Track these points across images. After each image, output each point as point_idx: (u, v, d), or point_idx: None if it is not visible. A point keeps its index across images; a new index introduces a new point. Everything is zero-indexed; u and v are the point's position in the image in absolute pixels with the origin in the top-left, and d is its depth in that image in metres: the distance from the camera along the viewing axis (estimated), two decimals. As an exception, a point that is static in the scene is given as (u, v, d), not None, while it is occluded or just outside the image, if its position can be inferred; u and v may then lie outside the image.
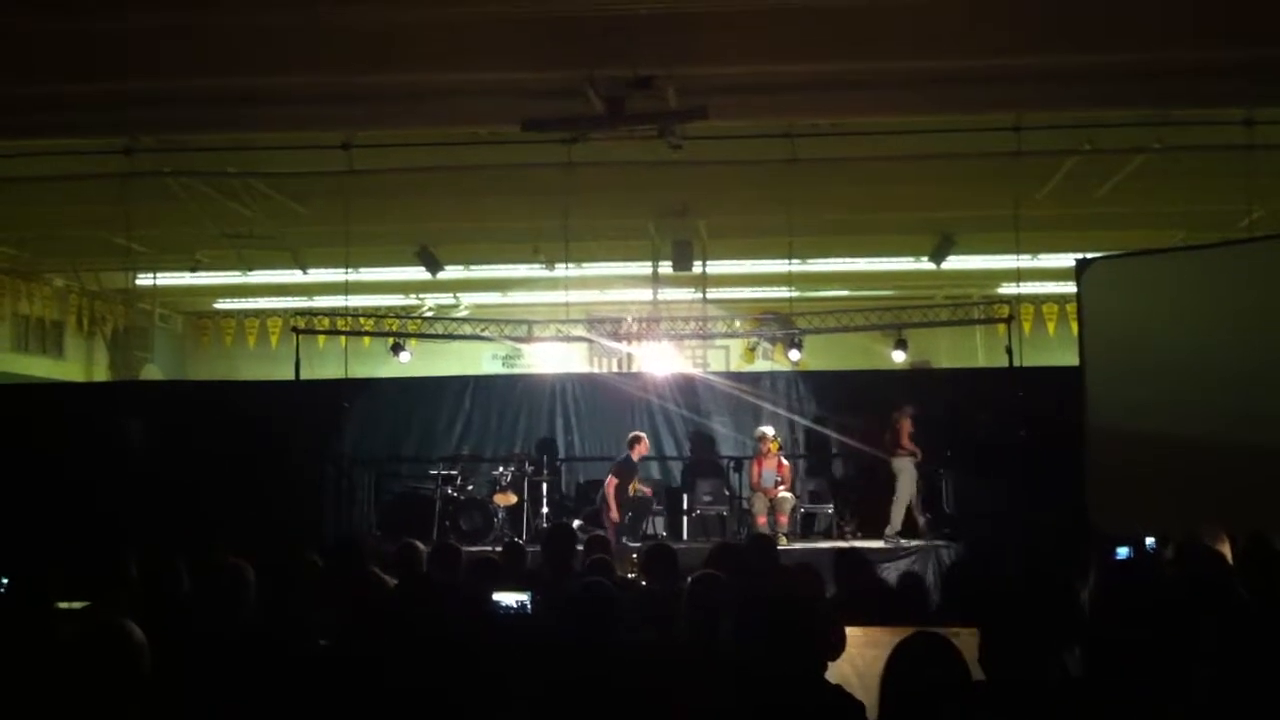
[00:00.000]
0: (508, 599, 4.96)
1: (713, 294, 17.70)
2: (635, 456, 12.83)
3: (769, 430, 12.88)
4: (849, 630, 4.85)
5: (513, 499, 12.78)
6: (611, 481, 12.65)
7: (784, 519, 12.26)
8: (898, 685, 3.30)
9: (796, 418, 14.02)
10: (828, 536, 12.81)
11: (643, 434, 13.11)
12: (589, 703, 3.61)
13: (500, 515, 12.78)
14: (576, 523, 11.10)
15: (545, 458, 13.50)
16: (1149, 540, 8.22)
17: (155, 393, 15.65)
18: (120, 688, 3.37)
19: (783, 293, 17.42)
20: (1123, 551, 7.02)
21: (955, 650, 3.32)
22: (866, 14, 8.98)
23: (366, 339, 17.02)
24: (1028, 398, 12.12)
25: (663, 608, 4.57)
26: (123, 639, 3.47)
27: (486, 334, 15.43)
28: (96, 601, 5.48)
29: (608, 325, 15.14)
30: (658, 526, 13.22)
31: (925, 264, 17.01)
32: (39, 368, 18.35)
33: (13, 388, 15.70)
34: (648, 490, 12.94)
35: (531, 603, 4.95)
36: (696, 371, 16.36)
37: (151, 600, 5.40)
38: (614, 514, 12.45)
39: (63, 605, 5.53)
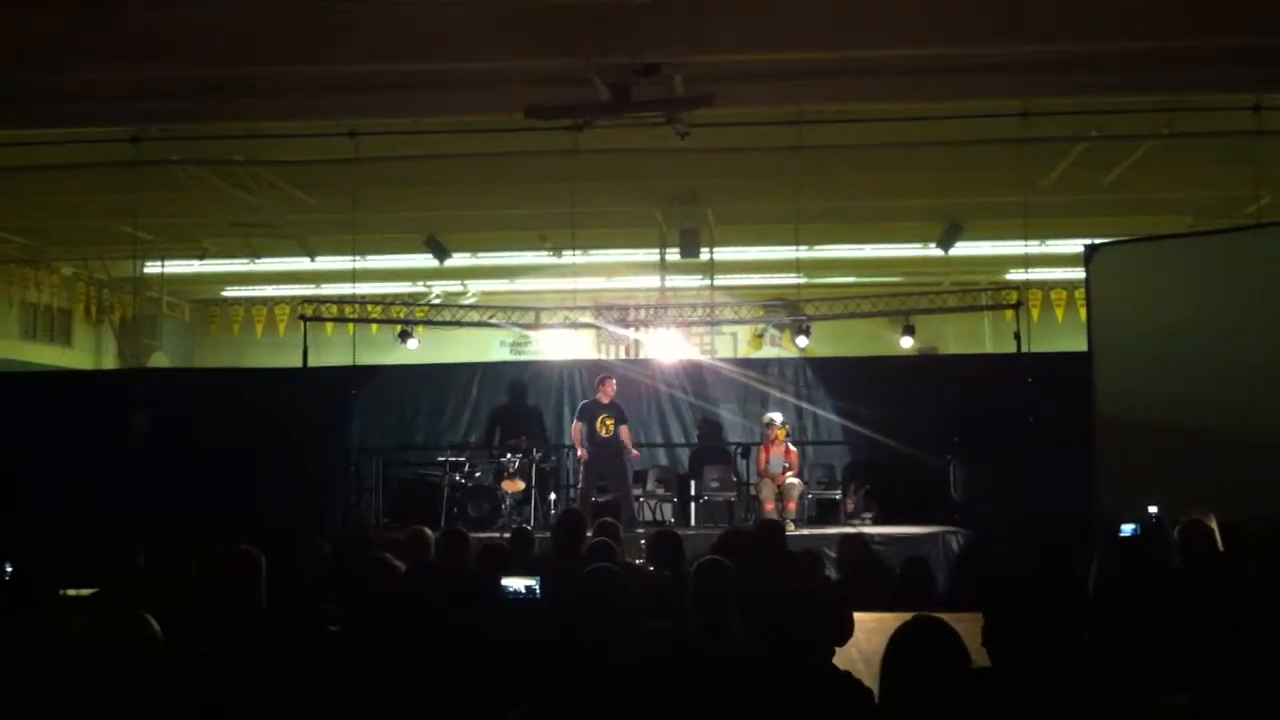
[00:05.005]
0: (516, 584, 4.97)
1: (720, 281, 17.69)
2: (604, 398, 12.58)
3: (777, 416, 12.83)
4: (856, 616, 4.87)
5: (520, 486, 12.78)
6: (576, 426, 12.64)
7: (792, 505, 12.23)
8: (897, 670, 3.30)
9: (804, 404, 14.00)
10: (836, 523, 12.80)
11: (610, 377, 12.86)
12: (596, 687, 3.61)
13: (508, 502, 12.79)
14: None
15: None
16: (1151, 509, 8.18)
17: (163, 380, 15.68)
18: (137, 681, 3.36)
19: (790, 279, 17.39)
20: (1128, 529, 6.97)
21: (955, 634, 3.32)
22: (873, 0, 8.97)
23: (374, 326, 17.06)
24: (1036, 384, 12.11)
25: (669, 592, 4.57)
26: (140, 632, 3.43)
27: (494, 321, 15.43)
28: (104, 589, 5.49)
29: (615, 312, 15.14)
30: (665, 513, 13.23)
31: (933, 250, 16.99)
32: (47, 356, 18.43)
33: (21, 375, 15.76)
34: (624, 436, 12.46)
35: (540, 587, 4.95)
36: (704, 358, 16.34)
37: (159, 588, 5.41)
38: (580, 453, 12.47)
39: (70, 593, 5.55)
